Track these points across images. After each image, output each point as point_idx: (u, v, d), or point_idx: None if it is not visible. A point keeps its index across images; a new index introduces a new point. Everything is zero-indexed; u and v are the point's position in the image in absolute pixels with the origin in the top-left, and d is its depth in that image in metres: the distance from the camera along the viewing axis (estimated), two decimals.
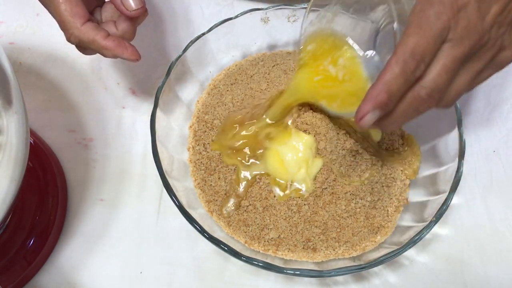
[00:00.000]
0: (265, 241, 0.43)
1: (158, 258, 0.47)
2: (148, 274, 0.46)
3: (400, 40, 0.30)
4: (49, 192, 0.48)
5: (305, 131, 0.44)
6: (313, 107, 0.46)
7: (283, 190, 0.43)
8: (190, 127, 0.49)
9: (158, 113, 0.44)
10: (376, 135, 0.47)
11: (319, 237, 0.43)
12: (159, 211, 0.49)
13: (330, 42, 0.40)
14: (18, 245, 0.45)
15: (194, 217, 0.40)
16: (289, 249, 0.43)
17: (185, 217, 0.40)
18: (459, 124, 0.43)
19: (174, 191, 0.41)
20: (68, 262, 0.46)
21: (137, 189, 0.50)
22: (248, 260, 0.39)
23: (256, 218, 0.44)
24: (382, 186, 0.45)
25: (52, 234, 0.46)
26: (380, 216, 0.44)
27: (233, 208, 0.44)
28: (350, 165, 0.44)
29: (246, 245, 0.43)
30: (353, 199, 0.44)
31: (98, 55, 0.57)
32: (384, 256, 0.39)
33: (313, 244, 0.43)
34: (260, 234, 0.43)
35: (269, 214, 0.44)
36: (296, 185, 0.44)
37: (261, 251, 0.43)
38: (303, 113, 0.45)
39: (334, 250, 0.43)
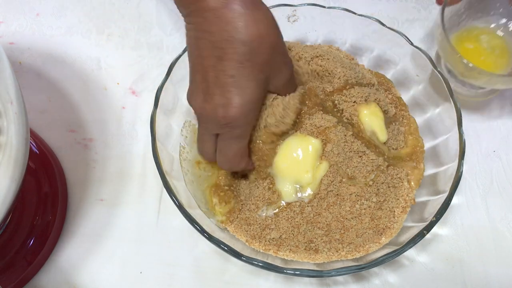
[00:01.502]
0: (266, 241, 0.43)
1: (158, 258, 0.47)
2: (148, 274, 0.46)
3: None
4: (49, 192, 0.48)
5: (313, 133, 0.44)
6: (323, 109, 0.45)
7: (289, 194, 0.43)
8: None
9: (158, 113, 0.44)
10: (382, 135, 0.46)
11: (321, 239, 0.43)
12: (159, 211, 0.49)
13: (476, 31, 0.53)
14: (18, 245, 0.45)
15: (194, 217, 0.40)
16: (291, 249, 0.43)
17: (185, 217, 0.40)
18: (459, 124, 0.43)
19: (174, 191, 0.41)
20: (68, 262, 0.46)
21: (137, 189, 0.50)
22: (248, 260, 0.39)
23: (257, 217, 0.44)
24: (389, 187, 0.45)
25: (52, 234, 0.46)
26: (386, 217, 0.44)
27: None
28: (357, 167, 0.44)
29: (247, 243, 0.43)
30: (358, 200, 0.44)
31: (97, 53, 0.58)
32: (384, 256, 0.39)
33: (315, 246, 0.43)
34: (261, 233, 0.43)
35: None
36: (298, 187, 0.43)
37: (261, 251, 0.43)
38: (313, 115, 0.45)
39: (337, 251, 0.42)
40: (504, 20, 0.52)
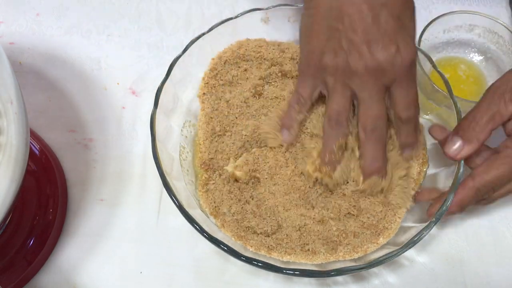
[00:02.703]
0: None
1: (158, 258, 0.47)
2: (148, 274, 0.46)
3: (485, 168, 0.40)
4: (49, 192, 0.48)
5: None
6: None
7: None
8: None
9: (158, 113, 0.44)
10: None
11: (319, 241, 0.43)
12: (159, 211, 0.49)
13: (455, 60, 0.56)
14: (18, 245, 0.45)
15: (194, 217, 0.40)
16: (286, 251, 0.42)
17: (185, 217, 0.40)
18: None
19: (174, 191, 0.41)
20: (68, 262, 0.46)
21: (137, 189, 0.50)
22: (248, 260, 0.39)
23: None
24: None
25: (52, 234, 0.46)
26: (383, 218, 0.44)
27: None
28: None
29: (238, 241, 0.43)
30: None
31: (97, 53, 0.58)
32: (384, 256, 0.39)
33: (312, 247, 0.43)
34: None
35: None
36: None
37: (252, 250, 0.42)
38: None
39: (335, 252, 0.42)
40: (481, 57, 0.55)
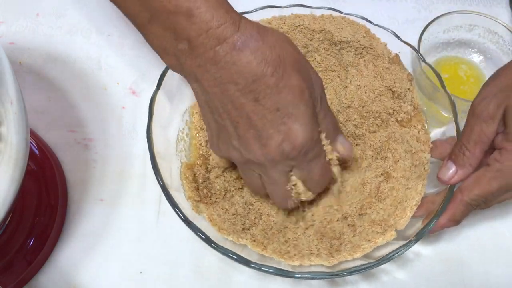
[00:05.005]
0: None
1: (158, 258, 0.47)
2: (148, 274, 0.46)
3: (473, 182, 0.40)
4: (49, 192, 0.48)
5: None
6: None
7: None
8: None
9: (160, 95, 0.44)
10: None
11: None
12: (159, 211, 0.49)
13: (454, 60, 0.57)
14: (18, 245, 0.45)
15: (177, 202, 0.40)
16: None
17: (167, 198, 0.40)
18: (457, 126, 0.43)
19: (161, 171, 0.40)
20: (68, 262, 0.46)
21: (137, 189, 0.50)
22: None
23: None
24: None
25: (52, 234, 0.46)
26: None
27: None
28: None
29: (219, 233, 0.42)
30: None
31: (97, 53, 0.58)
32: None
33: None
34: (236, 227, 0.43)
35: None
36: None
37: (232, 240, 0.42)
38: None
39: (340, 253, 0.41)
40: (481, 57, 0.56)
